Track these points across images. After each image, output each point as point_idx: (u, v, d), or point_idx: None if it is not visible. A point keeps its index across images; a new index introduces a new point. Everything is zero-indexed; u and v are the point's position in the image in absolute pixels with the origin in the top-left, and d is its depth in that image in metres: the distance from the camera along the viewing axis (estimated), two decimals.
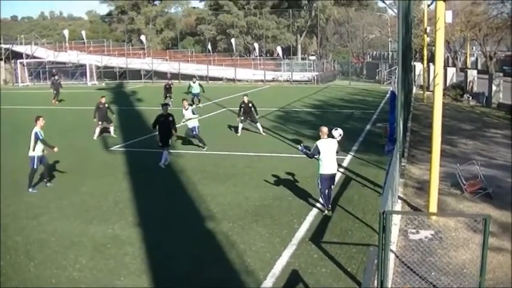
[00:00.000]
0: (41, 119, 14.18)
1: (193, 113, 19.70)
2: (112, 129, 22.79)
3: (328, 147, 11.54)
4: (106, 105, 22.58)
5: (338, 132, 12.39)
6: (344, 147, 17.40)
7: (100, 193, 13.73)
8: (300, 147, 12.34)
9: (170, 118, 17.18)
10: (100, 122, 22.29)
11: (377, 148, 18.51)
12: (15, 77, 63.99)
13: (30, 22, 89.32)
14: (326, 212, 11.65)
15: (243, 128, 22.68)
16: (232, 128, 23.58)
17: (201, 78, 57.54)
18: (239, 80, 55.50)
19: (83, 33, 69.53)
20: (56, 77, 40.76)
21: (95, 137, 22.04)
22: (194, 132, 19.62)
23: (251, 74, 56.88)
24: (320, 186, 11.65)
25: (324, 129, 11.70)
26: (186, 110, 19.71)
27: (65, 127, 25.37)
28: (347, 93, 41.86)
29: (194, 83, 33.78)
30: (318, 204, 12.11)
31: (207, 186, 14.14)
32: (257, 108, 22.48)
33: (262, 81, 54.70)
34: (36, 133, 13.94)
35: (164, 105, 17.81)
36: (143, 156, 18.60)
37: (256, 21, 69.76)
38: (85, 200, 13.15)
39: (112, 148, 20.03)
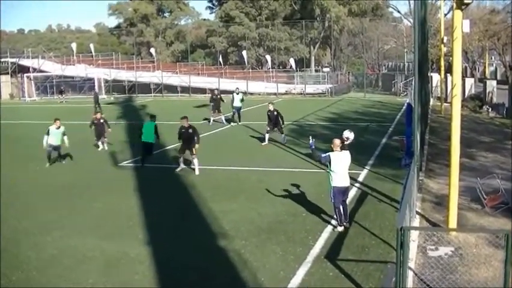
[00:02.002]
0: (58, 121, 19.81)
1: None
2: (103, 143, 23.28)
3: (341, 160, 11.58)
4: (102, 120, 23.26)
5: (347, 134, 12.51)
6: (359, 161, 17.41)
7: (111, 209, 13.81)
8: (310, 142, 12.32)
9: (191, 130, 18.08)
10: (95, 139, 23.29)
11: (394, 162, 18.44)
12: (21, 91, 64.59)
13: (38, 35, 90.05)
14: (340, 228, 11.60)
15: (269, 139, 23.05)
16: (256, 138, 23.66)
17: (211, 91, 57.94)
18: (251, 93, 55.67)
19: (91, 46, 70.01)
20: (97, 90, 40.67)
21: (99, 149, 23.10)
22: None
23: (263, 86, 57.05)
24: (333, 200, 11.65)
25: (337, 142, 11.66)
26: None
27: (74, 141, 25.53)
28: (362, 105, 41.81)
29: (238, 94, 31.25)
30: (333, 221, 12.07)
31: (218, 202, 14.13)
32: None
33: (275, 94, 54.82)
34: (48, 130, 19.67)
35: (184, 117, 18.32)
36: (152, 172, 18.64)
37: (268, 33, 70.06)
38: (97, 216, 13.23)
39: (121, 164, 20.13)
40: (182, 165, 18.38)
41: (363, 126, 28.87)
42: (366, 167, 18.01)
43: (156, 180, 17.39)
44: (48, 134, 19.84)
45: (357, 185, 15.40)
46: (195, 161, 18.08)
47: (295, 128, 29.18)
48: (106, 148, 23.12)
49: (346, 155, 11.70)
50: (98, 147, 23.25)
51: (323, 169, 17.36)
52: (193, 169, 18.04)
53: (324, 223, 12.14)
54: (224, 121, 31.02)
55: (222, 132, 28.28)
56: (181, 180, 17.13)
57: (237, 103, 31.07)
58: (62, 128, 20.08)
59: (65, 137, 20.33)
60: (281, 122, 23.13)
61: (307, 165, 18.68)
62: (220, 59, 64.24)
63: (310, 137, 12.61)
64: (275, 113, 23.13)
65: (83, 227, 12.43)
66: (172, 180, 17.24)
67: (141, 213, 13.36)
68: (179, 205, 14.24)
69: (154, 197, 15.21)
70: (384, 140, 24.02)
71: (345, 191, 11.81)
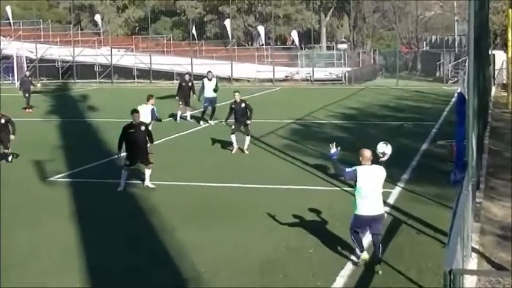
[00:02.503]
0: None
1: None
2: (9, 156, 22.93)
3: (371, 177, 11.59)
4: (3, 120, 22.76)
5: (382, 148, 12.34)
6: (389, 176, 17.36)
7: (38, 243, 13.72)
8: (332, 151, 12.10)
9: (143, 128, 18.22)
10: None
11: (439, 176, 18.46)
12: None
13: None
14: (363, 255, 11.82)
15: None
16: (228, 147, 23.73)
17: (169, 77, 58.08)
18: (237, 80, 55.72)
19: (9, 9, 69.29)
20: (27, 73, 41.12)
21: None
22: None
23: (254, 70, 57.20)
24: (352, 230, 11.85)
25: (367, 154, 11.70)
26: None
27: None
28: (394, 97, 41.97)
29: (210, 80, 31.58)
30: (353, 257, 12.05)
31: (190, 232, 14.08)
32: (260, 120, 22.80)
33: (270, 80, 54.97)
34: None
35: (135, 112, 18.47)
36: (96, 190, 18.61)
37: None
38: (22, 252, 13.11)
39: (51, 178, 20.05)
40: (123, 183, 18.33)
41: (394, 127, 28.94)
42: (399, 184, 18.02)
43: (101, 200, 17.34)
44: None
45: (386, 208, 15.38)
46: (148, 172, 18.24)
47: (298, 128, 29.22)
48: (10, 160, 22.82)
49: (378, 172, 11.75)
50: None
51: (337, 185, 17.42)
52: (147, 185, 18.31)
53: (339, 260, 12.13)
54: (189, 119, 31.29)
55: (192, 134, 28.27)
56: (137, 200, 17.07)
57: (208, 93, 31.01)
58: None
59: None
60: (249, 119, 23.25)
61: (315, 180, 18.66)
62: (194, 31, 64.32)
63: (333, 144, 12.18)
64: (243, 105, 23.18)
65: (6, 267, 12.34)
66: (123, 201, 17.19)
67: (81, 248, 13.29)
68: (134, 236, 14.17)
69: (99, 224, 15.16)
70: (424, 146, 24.08)
71: (374, 221, 11.76)
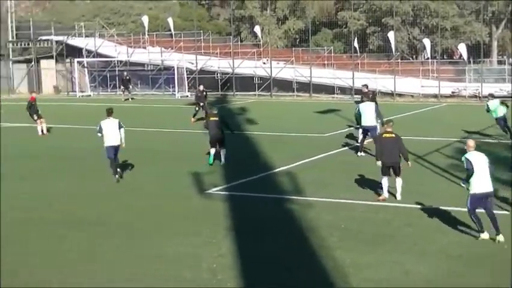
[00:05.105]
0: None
1: None
2: None
3: (479, 160, 14.77)
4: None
5: None
6: None
7: (189, 258, 14.22)
8: (462, 184, 15.45)
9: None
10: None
11: None
12: (71, 82, 67.10)
13: (94, 3, 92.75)
14: (483, 235, 14.56)
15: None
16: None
17: (342, 90, 58.05)
18: (400, 95, 55.16)
19: (170, 21, 71.13)
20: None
21: None
22: None
23: (418, 85, 56.43)
24: (469, 207, 14.59)
25: (471, 143, 15.42)
26: None
27: (145, 159, 26.56)
28: None
29: (366, 93, 31.54)
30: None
31: (348, 252, 14.19)
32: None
33: (435, 96, 54.05)
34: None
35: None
36: (255, 204, 19.10)
37: (427, 6, 69.33)
38: (163, 266, 13.69)
39: (209, 191, 20.71)
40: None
41: None
42: None
43: (257, 217, 17.80)
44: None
45: None
46: (399, 181, 18.91)
47: (464, 147, 28.57)
48: None
49: (481, 155, 15.02)
50: None
51: (506, 209, 17.02)
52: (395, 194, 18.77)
53: None
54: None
55: (349, 150, 28.22)
56: (296, 217, 17.35)
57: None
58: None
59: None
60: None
61: None
62: (356, 44, 64.20)
63: (462, 182, 15.64)
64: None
65: (165, 277, 12.89)
66: (283, 217, 17.58)
67: (234, 266, 13.70)
68: (291, 252, 14.44)
69: (253, 241, 15.57)
70: None
71: (487, 197, 14.70)
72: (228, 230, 16.18)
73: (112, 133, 22.47)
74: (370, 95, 31.25)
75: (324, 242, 14.97)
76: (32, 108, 35.08)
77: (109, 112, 22.94)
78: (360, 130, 26.98)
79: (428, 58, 62.55)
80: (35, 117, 34.92)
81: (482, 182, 14.62)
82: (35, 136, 34.09)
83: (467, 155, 15.03)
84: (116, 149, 22.51)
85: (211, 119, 25.29)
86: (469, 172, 14.79)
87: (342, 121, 36.31)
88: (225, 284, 12.48)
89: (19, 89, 68.98)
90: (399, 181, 18.90)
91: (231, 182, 21.75)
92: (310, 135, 32.27)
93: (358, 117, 26.57)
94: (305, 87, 59.59)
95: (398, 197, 18.82)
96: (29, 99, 36.25)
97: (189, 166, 23.99)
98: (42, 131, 34.71)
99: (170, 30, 69.78)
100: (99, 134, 22.58)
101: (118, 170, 22.76)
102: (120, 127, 22.61)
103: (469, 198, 14.65)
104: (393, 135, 19.00)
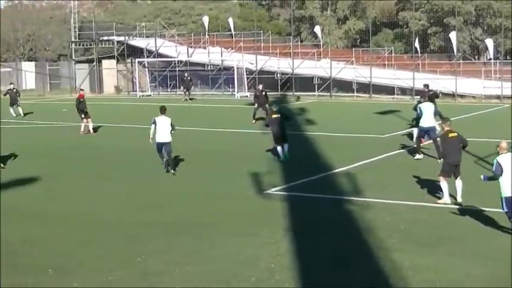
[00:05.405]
0: None
1: None
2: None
3: (510, 163, 14.78)
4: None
5: None
6: None
7: (247, 257, 14.33)
8: (482, 178, 15.93)
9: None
10: None
11: None
12: (132, 82, 68.05)
13: (154, 4, 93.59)
14: None
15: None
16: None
17: (402, 91, 57.64)
18: (461, 96, 54.55)
19: (231, 21, 71.77)
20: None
21: None
22: None
23: (480, 86, 55.75)
24: (505, 210, 14.84)
25: (503, 145, 15.27)
26: None
27: (204, 159, 26.79)
28: None
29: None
30: None
31: (407, 253, 14.14)
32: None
33: (498, 97, 53.35)
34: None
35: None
36: (313, 205, 19.13)
37: (490, 6, 68.44)
38: (224, 266, 13.78)
39: (268, 191, 20.78)
40: None
41: None
42: None
43: (315, 218, 17.80)
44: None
45: None
46: (459, 182, 18.61)
47: None
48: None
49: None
50: None
51: None
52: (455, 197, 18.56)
53: None
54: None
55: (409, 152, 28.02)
56: (354, 217, 17.35)
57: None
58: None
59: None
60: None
61: None
62: (417, 44, 63.64)
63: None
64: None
65: (201, 281, 13.02)
66: (341, 218, 17.61)
67: (292, 266, 13.76)
68: (349, 253, 14.45)
69: (311, 242, 15.57)
70: None
71: None
72: (287, 230, 16.25)
73: (163, 130, 23.64)
74: (428, 95, 30.93)
75: (383, 243, 14.95)
76: (80, 105, 35.63)
77: (163, 110, 24.27)
78: (417, 131, 26.60)
79: (490, 59, 61.80)
80: (83, 116, 35.50)
81: None
82: (100, 135, 34.95)
83: (498, 158, 15.18)
84: (165, 145, 23.62)
85: (274, 116, 26.17)
86: (495, 176, 15.16)
87: (402, 122, 36.06)
88: (283, 284, 12.53)
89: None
90: (459, 183, 18.64)
91: (290, 182, 21.82)
92: (370, 136, 32.14)
93: (419, 117, 26.10)
94: (365, 87, 59.37)
95: (459, 199, 18.57)
96: (78, 96, 37.01)
97: (249, 166, 24.11)
98: (88, 130, 35.36)
99: (230, 30, 70.34)
100: (152, 126, 23.72)
101: (170, 166, 23.73)
102: (171, 125, 23.75)
103: (503, 202, 14.96)
104: (456, 134, 18.85)
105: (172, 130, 23.75)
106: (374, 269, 13.34)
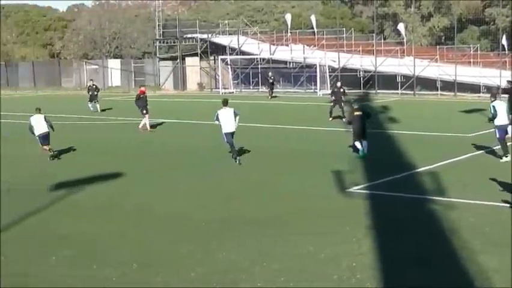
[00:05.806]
0: None
1: None
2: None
3: None
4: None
5: None
6: None
7: (329, 255, 14.32)
8: None
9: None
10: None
11: None
12: (214, 80, 68.77)
13: (237, 3, 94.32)
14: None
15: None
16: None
17: (489, 89, 56.56)
18: None
19: (313, 18, 71.72)
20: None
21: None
22: None
23: None
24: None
25: None
26: None
27: (286, 157, 26.89)
28: None
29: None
30: None
31: (492, 256, 13.89)
32: None
33: None
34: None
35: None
36: (395, 204, 19.03)
37: None
38: (306, 264, 13.81)
39: (350, 189, 20.75)
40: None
41: None
42: None
43: (397, 217, 17.74)
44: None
45: None
46: None
47: None
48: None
49: None
50: None
51: None
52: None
53: None
54: None
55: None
56: (437, 217, 17.18)
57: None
58: None
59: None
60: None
61: None
62: (504, 42, 62.41)
63: None
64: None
65: (284, 279, 13.07)
66: (424, 218, 17.45)
67: (373, 265, 13.71)
68: (432, 253, 14.32)
69: (393, 241, 15.50)
70: None
71: None
72: (369, 228, 16.19)
73: (228, 121, 25.06)
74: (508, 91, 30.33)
75: (467, 244, 14.72)
76: (139, 101, 35.97)
77: (225, 102, 25.70)
78: (497, 132, 25.20)
79: None
80: (144, 111, 35.79)
81: None
82: (174, 133, 35.40)
83: None
84: (232, 134, 25.11)
85: (356, 113, 26.56)
86: None
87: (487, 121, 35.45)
88: (364, 283, 12.49)
89: (165, 85, 71.24)
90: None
91: (372, 181, 21.73)
92: (454, 135, 31.73)
93: (494, 117, 25.13)
94: (450, 86, 58.59)
95: None
96: (138, 92, 37.39)
97: (331, 164, 24.12)
98: (145, 126, 35.69)
99: (312, 27, 70.32)
100: (216, 122, 25.39)
101: (234, 155, 25.29)
102: (236, 115, 25.25)
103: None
104: None
105: (236, 116, 25.17)
106: (458, 271, 13.18)
